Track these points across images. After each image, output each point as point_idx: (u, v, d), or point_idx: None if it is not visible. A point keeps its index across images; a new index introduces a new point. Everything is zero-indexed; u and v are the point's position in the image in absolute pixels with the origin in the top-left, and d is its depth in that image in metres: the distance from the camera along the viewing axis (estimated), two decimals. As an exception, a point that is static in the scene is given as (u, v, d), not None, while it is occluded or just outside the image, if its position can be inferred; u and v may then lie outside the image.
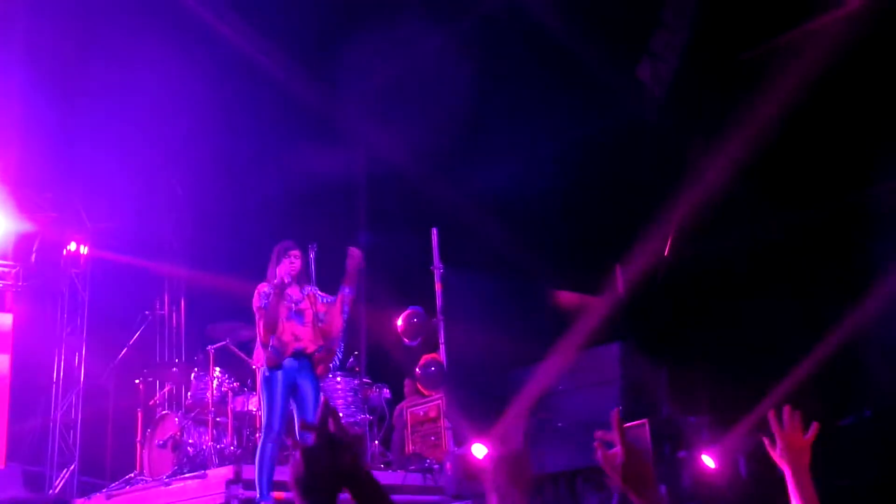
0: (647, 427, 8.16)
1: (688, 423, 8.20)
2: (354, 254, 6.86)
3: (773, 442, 2.62)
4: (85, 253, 11.43)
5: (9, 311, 11.44)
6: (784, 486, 2.64)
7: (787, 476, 2.56)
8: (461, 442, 8.39)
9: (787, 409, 2.61)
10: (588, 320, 8.80)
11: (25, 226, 11.26)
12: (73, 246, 11.40)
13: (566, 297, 10.44)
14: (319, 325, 6.84)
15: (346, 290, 6.88)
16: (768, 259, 9.09)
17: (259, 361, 6.80)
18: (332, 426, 1.71)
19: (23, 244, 11.38)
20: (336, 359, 6.98)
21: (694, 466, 7.62)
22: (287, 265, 6.82)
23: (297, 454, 1.68)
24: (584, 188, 10.15)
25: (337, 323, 6.87)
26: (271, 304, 6.69)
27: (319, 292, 7.00)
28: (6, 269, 11.34)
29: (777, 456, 2.60)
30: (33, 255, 11.56)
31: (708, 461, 7.65)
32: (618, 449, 2.07)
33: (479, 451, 7.71)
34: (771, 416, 2.62)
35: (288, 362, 6.68)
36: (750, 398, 8.45)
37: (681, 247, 9.87)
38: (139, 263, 11.62)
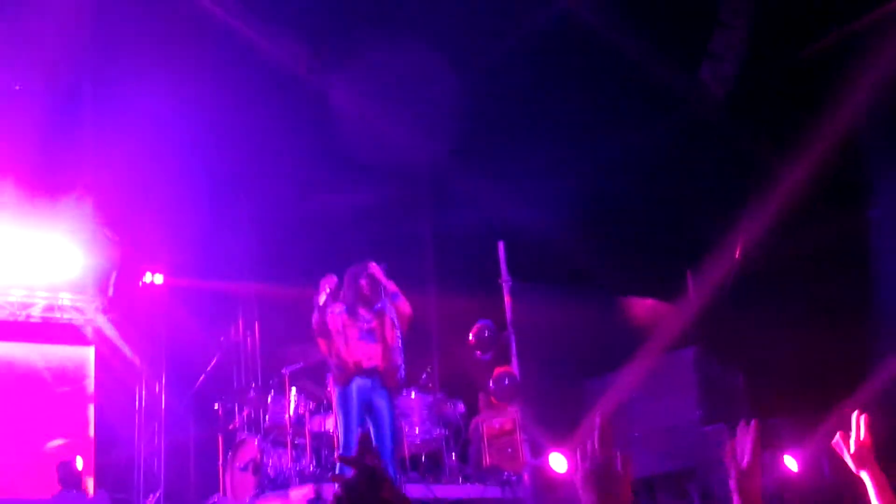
0: (726, 431, 8.07)
1: (768, 426, 8.07)
2: (374, 269, 6.91)
3: (843, 446, 2.64)
4: (160, 283, 11.66)
5: (90, 344, 11.75)
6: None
7: (867, 480, 2.56)
8: (538, 453, 8.36)
9: (856, 413, 2.61)
10: (662, 329, 8.70)
11: (102, 260, 11.55)
12: (147, 277, 11.65)
13: (639, 306, 10.35)
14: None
15: (379, 306, 6.92)
16: (838, 258, 8.93)
17: (330, 382, 6.87)
18: (369, 459, 1.75)
19: (100, 278, 11.67)
20: (400, 373, 6.95)
21: (776, 468, 7.50)
22: (363, 284, 6.88)
23: (339, 487, 1.72)
24: (650, 194, 10.09)
25: (389, 336, 6.89)
26: (330, 314, 6.74)
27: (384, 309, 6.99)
28: (85, 305, 11.64)
29: (850, 459, 2.61)
30: (111, 289, 11.84)
31: (791, 463, 7.52)
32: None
33: (556, 461, 7.68)
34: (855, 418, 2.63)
35: (361, 381, 6.70)
36: (831, 399, 8.30)
37: (752, 249, 9.75)
38: (213, 290, 11.83)
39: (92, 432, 11.32)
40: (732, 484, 2.17)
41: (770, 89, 9.43)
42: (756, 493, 2.18)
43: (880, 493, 2.53)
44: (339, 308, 6.89)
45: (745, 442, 2.21)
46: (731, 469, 2.18)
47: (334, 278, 6.94)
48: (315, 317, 6.85)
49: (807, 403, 8.41)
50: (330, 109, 9.86)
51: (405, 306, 6.94)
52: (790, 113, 9.12)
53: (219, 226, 11.27)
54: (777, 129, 9.32)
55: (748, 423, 2.28)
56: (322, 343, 6.82)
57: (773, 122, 9.40)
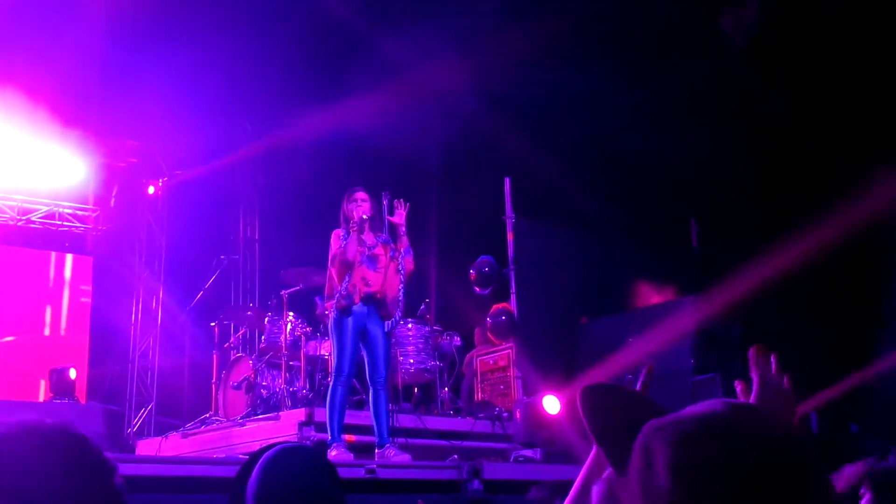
0: (719, 381, 8.11)
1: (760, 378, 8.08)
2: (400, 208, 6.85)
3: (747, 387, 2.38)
4: (162, 198, 11.63)
5: (89, 254, 11.75)
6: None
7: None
8: (531, 391, 8.40)
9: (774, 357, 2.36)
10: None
11: (105, 171, 11.49)
12: (151, 190, 11.61)
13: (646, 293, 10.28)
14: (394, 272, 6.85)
15: (385, 238, 6.88)
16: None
17: (329, 306, 6.82)
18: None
19: (102, 189, 11.62)
20: (399, 309, 6.92)
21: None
22: (354, 208, 6.80)
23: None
24: (660, 139, 9.98)
25: (391, 271, 6.85)
26: (350, 244, 6.69)
27: (391, 244, 6.94)
28: (86, 214, 11.62)
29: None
30: (112, 200, 11.81)
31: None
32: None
33: (549, 403, 7.70)
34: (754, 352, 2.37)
35: (357, 307, 6.69)
36: (827, 355, 8.32)
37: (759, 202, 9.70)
38: (215, 209, 11.80)
39: (87, 343, 11.38)
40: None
41: (793, 39, 9.26)
42: None
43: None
44: (341, 231, 6.84)
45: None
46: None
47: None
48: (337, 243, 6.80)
49: (802, 357, 8.42)
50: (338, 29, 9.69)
51: (410, 263, 6.90)
52: (813, 64, 8.98)
53: (223, 136, 11.18)
54: (799, 81, 9.19)
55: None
56: (337, 269, 6.75)
57: (795, 73, 9.26)
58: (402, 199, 6.91)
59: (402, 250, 6.83)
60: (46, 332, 11.31)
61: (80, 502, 1.22)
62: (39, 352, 10.88)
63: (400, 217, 6.87)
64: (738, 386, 2.16)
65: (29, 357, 10.75)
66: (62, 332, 11.41)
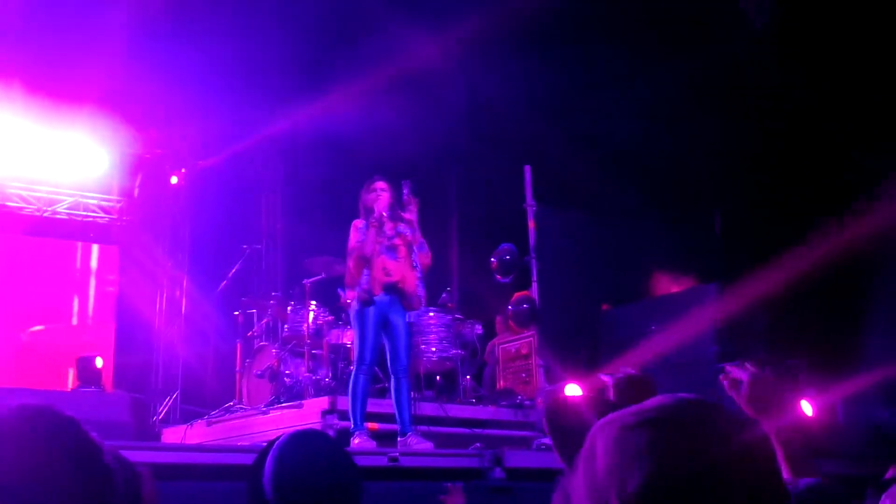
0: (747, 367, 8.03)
1: (785, 366, 8.04)
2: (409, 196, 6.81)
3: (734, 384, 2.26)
4: (186, 188, 11.70)
5: (114, 244, 11.84)
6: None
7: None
8: (552, 379, 8.39)
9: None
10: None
11: (129, 161, 11.57)
12: (174, 180, 11.68)
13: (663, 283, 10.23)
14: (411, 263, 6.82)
15: (402, 228, 6.83)
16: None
17: (350, 297, 6.82)
18: None
19: (126, 179, 11.70)
20: (420, 298, 6.89)
21: (791, 412, 7.46)
22: (374, 198, 6.79)
23: None
24: (683, 126, 9.92)
25: (410, 263, 6.82)
26: (369, 239, 6.69)
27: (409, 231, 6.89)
28: (111, 204, 11.70)
29: (749, 406, 2.23)
30: (136, 190, 11.89)
31: (807, 407, 7.46)
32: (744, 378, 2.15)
33: (572, 391, 7.68)
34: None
35: (379, 297, 6.68)
36: (852, 342, 8.26)
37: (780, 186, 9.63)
38: (238, 198, 11.86)
39: (113, 333, 11.49)
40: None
41: (815, 21, 9.17)
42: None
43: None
44: (361, 222, 6.84)
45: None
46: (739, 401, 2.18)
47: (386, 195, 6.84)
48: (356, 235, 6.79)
49: (826, 344, 8.37)
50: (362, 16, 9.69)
51: (427, 258, 6.87)
52: (834, 47, 8.89)
53: (246, 126, 11.22)
54: (819, 64, 9.10)
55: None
56: (357, 261, 6.73)
57: (815, 56, 9.17)
58: (412, 195, 6.87)
59: (415, 246, 6.81)
60: (74, 321, 11.44)
61: (68, 484, 1.22)
62: (68, 341, 10.99)
63: (412, 213, 6.84)
64: (724, 381, 2.20)
65: (57, 346, 10.86)
66: (90, 322, 11.53)
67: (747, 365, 2.23)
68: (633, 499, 1.06)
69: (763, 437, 1.13)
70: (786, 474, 2.10)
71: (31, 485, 1.19)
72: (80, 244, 11.67)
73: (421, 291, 6.80)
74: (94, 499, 1.24)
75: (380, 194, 6.79)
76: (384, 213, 6.72)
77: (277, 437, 2.06)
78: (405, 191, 6.92)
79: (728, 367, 2.26)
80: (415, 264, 6.78)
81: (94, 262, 11.69)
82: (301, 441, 2.02)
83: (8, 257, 11.09)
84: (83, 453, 1.27)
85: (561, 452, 1.93)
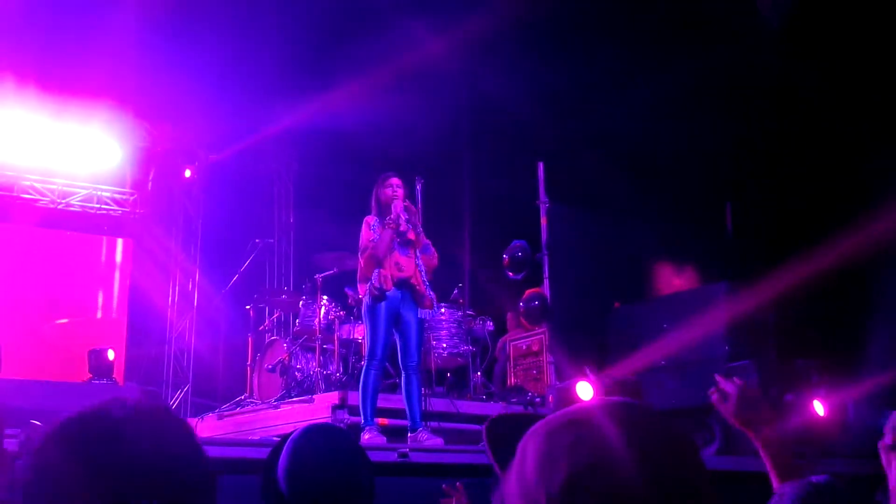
0: (753, 368, 8.04)
1: (796, 366, 8.02)
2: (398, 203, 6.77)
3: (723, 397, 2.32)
4: (198, 181, 11.73)
5: (127, 237, 11.88)
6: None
7: (760, 451, 2.27)
8: (563, 376, 8.40)
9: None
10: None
11: (142, 154, 11.60)
12: (187, 174, 11.71)
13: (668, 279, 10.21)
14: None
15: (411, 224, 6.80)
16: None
17: (362, 292, 6.81)
18: None
19: (140, 172, 11.74)
20: (429, 296, 6.87)
21: (802, 411, 7.45)
22: (389, 194, 6.76)
23: None
24: (695, 124, 9.91)
25: (418, 259, 6.80)
26: (384, 239, 6.67)
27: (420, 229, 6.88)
28: (124, 197, 11.74)
29: (736, 419, 2.29)
30: (150, 184, 11.92)
31: (819, 408, 7.45)
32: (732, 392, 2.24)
33: (583, 389, 7.67)
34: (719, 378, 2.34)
35: (391, 293, 6.67)
36: (863, 342, 8.23)
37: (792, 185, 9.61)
38: (250, 192, 11.89)
39: (125, 325, 11.53)
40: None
41: (829, 22, 9.14)
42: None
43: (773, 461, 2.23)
44: (373, 219, 6.83)
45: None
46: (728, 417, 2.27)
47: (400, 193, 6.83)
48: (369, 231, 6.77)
49: (837, 344, 8.35)
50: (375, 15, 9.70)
51: (431, 259, 6.84)
52: (849, 47, 8.86)
53: (259, 120, 11.24)
54: (833, 63, 9.07)
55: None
56: (369, 260, 6.72)
57: (830, 56, 9.14)
58: (409, 202, 6.83)
59: (417, 250, 6.80)
60: (99, 314, 11.50)
61: (178, 486, 1.22)
62: (92, 334, 11.01)
63: (413, 219, 6.80)
64: (713, 394, 2.30)
65: (81, 339, 10.87)
66: (114, 315, 11.59)
67: (735, 379, 2.33)
68: (558, 496, 1.08)
69: (685, 434, 1.16)
70: (774, 483, 2.17)
71: (151, 482, 1.20)
72: (104, 238, 11.72)
73: (430, 292, 6.78)
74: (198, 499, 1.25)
75: (395, 190, 6.76)
76: (401, 215, 6.69)
77: (292, 432, 2.08)
78: (419, 185, 6.93)
79: (718, 378, 2.34)
80: (419, 266, 6.75)
81: (118, 256, 11.75)
82: (316, 435, 2.03)
83: (32, 250, 11.14)
84: (195, 457, 1.28)
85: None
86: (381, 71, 9.80)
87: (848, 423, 7.57)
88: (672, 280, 9.96)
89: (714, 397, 2.33)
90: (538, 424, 1.18)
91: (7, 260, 10.94)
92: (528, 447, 1.16)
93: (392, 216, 6.68)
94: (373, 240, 6.68)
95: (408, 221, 6.77)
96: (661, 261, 10.11)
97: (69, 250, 11.41)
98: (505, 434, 1.29)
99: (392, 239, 6.66)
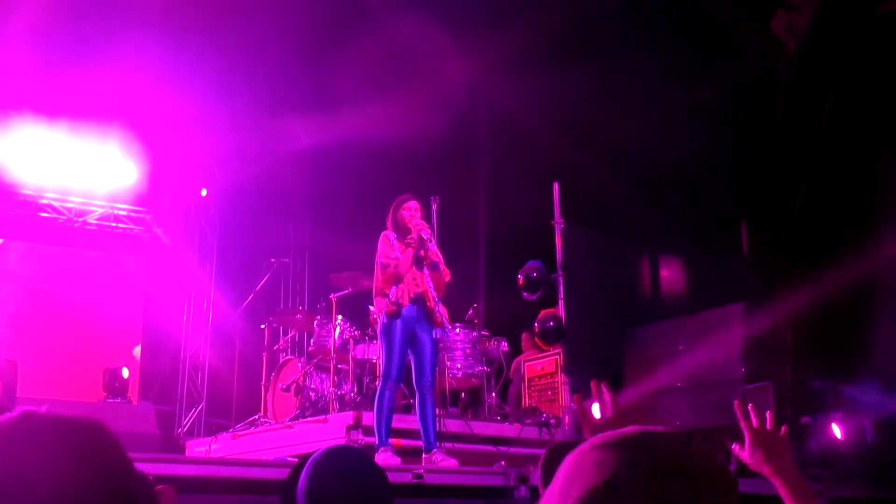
0: (770, 390, 7.99)
1: (813, 388, 7.97)
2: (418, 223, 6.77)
3: (742, 444, 2.30)
4: (214, 201, 11.78)
5: (142, 255, 11.93)
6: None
7: (776, 483, 2.23)
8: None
9: (751, 407, 2.31)
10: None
11: (158, 173, 11.67)
12: (203, 193, 11.76)
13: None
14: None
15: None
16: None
17: (378, 310, 6.80)
18: None
19: (156, 191, 11.80)
20: (443, 315, 6.85)
21: (820, 433, 7.40)
22: (408, 217, 6.76)
23: None
24: (711, 145, 9.90)
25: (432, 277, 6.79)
26: (405, 259, 6.66)
27: (435, 248, 6.86)
28: (140, 215, 11.80)
29: (752, 459, 2.27)
30: (166, 202, 11.98)
31: (836, 430, 7.39)
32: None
33: (598, 411, 7.63)
34: (736, 407, 2.32)
35: (407, 310, 6.66)
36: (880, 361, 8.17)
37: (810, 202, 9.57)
38: (265, 212, 11.93)
39: (140, 344, 11.56)
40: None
41: (846, 44, 9.13)
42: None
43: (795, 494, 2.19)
44: (392, 235, 6.82)
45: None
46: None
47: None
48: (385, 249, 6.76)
49: (852, 366, 8.29)
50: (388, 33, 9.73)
51: (445, 275, 6.82)
52: (865, 69, 8.85)
53: (274, 140, 11.29)
54: (849, 84, 9.06)
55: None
56: (389, 278, 6.70)
57: (846, 77, 9.14)
58: (425, 223, 6.83)
59: (426, 266, 6.77)
60: (114, 333, 11.54)
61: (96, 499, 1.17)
62: (107, 352, 11.03)
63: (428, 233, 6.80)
64: (736, 446, 2.31)
65: (96, 357, 10.87)
66: (129, 333, 11.63)
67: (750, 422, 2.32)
68: None
69: (720, 463, 1.17)
70: None
71: (58, 496, 1.15)
72: (120, 256, 11.80)
73: (440, 308, 6.77)
74: None
75: (414, 213, 6.75)
76: (423, 236, 6.67)
77: (312, 452, 2.07)
78: (435, 204, 6.93)
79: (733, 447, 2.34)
80: (428, 285, 6.73)
81: (134, 274, 11.85)
82: (336, 457, 2.02)
83: (48, 268, 11.22)
84: (116, 470, 1.21)
85: None
86: (398, 91, 9.83)
87: (866, 444, 7.50)
88: (687, 301, 9.92)
89: (736, 448, 2.32)
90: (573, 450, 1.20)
91: (23, 277, 11.00)
92: (559, 470, 1.17)
93: (415, 237, 6.67)
94: (395, 257, 6.68)
95: (426, 242, 6.75)
96: (677, 281, 10.09)
97: (85, 268, 11.46)
98: (559, 461, 1.32)
99: (414, 259, 6.67)
